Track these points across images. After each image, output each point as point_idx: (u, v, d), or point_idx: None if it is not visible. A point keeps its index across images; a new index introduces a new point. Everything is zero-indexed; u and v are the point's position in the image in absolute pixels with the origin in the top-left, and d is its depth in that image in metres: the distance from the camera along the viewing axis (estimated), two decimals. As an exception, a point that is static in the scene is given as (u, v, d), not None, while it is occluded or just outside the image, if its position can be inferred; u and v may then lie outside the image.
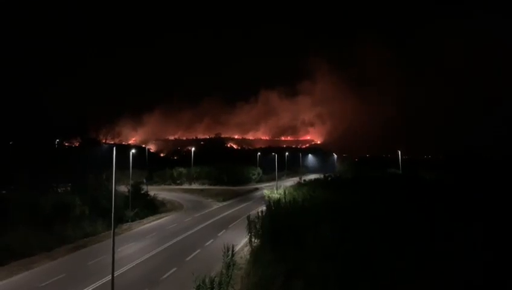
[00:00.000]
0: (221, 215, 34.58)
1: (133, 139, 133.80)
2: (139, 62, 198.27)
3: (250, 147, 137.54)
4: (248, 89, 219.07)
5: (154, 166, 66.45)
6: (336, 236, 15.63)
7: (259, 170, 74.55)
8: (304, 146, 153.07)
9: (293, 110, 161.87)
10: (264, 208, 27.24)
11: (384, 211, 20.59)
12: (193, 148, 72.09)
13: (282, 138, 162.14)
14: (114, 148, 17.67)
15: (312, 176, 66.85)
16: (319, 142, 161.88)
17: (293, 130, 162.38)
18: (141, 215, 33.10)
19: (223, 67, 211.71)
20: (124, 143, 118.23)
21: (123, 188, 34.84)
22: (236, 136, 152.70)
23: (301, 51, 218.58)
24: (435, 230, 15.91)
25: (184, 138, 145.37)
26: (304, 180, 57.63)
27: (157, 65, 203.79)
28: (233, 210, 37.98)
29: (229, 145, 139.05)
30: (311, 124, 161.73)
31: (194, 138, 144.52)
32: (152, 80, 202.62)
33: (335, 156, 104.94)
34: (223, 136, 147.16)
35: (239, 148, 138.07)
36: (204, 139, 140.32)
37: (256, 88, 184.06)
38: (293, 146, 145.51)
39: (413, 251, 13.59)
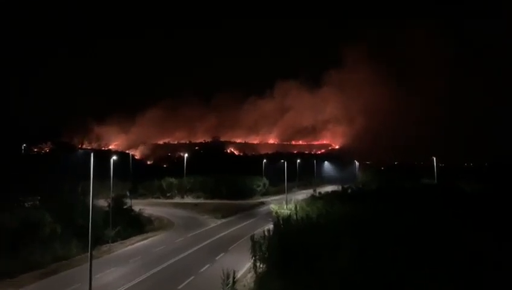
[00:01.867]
0: (219, 235, 34.52)
1: (115, 143, 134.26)
2: (124, 54, 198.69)
3: (254, 153, 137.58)
4: (265, 83, 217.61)
5: (139, 176, 66.73)
6: (358, 260, 15.53)
7: (265, 180, 74.52)
8: (319, 152, 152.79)
9: (313, 105, 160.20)
10: (271, 226, 27.14)
11: (416, 229, 20.44)
12: (186, 155, 72.24)
13: (293, 142, 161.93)
14: (92, 154, 17.81)
15: (329, 188, 66.58)
16: (336, 146, 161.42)
17: (307, 131, 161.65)
18: (124, 235, 33.17)
19: (237, 57, 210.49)
20: (104, 148, 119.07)
21: (102, 202, 34.96)
22: (237, 140, 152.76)
23: (332, 36, 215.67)
24: (481, 257, 15.72)
25: (175, 142, 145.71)
26: (319, 192, 57.29)
27: (147, 57, 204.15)
28: (234, 229, 37.90)
29: (229, 151, 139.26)
30: (329, 125, 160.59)
31: (187, 142, 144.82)
32: (141, 75, 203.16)
33: (356, 163, 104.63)
34: (222, 139, 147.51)
35: (241, 154, 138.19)
36: (199, 144, 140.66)
37: (272, 81, 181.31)
38: (306, 152, 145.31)
39: (452, 281, 13.45)
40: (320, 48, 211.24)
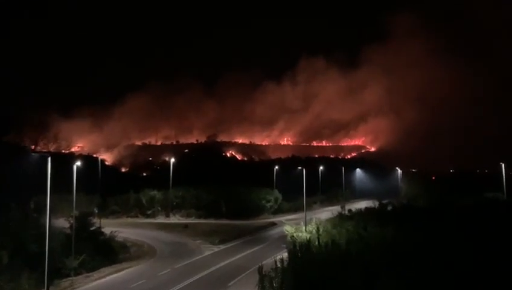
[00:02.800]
0: (216, 267, 34.49)
1: (79, 145, 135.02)
2: (99, 20, 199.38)
3: (262, 158, 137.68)
4: (285, 64, 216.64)
5: (111, 187, 66.90)
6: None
7: (276, 193, 74.46)
8: (348, 156, 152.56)
9: (346, 92, 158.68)
10: (284, 255, 27.03)
11: (482, 266, 20.20)
12: (172, 159, 72.22)
13: (314, 143, 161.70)
14: (49, 159, 17.89)
15: (362, 204, 66.26)
16: (372, 148, 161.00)
17: (334, 128, 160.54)
18: (90, 266, 33.21)
19: (248, 28, 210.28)
20: (64, 151, 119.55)
21: (62, 223, 35.07)
22: (240, 140, 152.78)
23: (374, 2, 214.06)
24: None
25: (159, 143, 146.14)
26: (349, 210, 56.97)
27: (129, 26, 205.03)
28: (236, 258, 37.86)
29: (229, 154, 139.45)
30: (365, 119, 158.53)
31: (174, 142, 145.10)
32: (122, 50, 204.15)
33: (399, 171, 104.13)
34: (219, 139, 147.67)
35: (245, 158, 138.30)
36: (190, 145, 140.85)
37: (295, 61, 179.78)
38: (332, 156, 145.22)
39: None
40: (359, 16, 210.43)
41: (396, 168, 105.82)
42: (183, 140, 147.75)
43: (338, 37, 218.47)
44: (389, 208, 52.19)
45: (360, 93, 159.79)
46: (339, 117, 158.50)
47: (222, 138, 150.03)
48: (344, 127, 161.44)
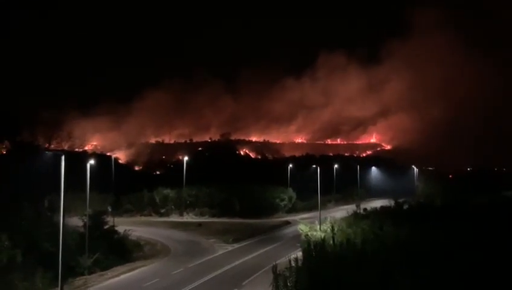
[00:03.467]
0: (230, 265, 34.52)
1: (93, 143, 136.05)
2: (114, 16, 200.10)
3: (276, 156, 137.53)
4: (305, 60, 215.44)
5: (124, 186, 67.14)
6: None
7: (291, 192, 74.33)
8: (363, 154, 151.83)
9: (366, 88, 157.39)
10: (299, 254, 26.96)
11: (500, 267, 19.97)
12: (186, 158, 72.47)
13: (329, 141, 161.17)
14: (63, 157, 18.01)
15: (377, 203, 65.89)
16: (388, 146, 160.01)
17: (350, 126, 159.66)
18: (104, 265, 33.40)
19: (270, 18, 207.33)
20: (77, 150, 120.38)
21: (76, 221, 35.31)
22: (254, 139, 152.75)
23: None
24: None
25: (172, 142, 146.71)
26: (364, 209, 56.69)
27: (144, 21, 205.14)
28: (250, 257, 37.85)
29: (242, 153, 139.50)
30: (383, 116, 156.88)
31: (188, 141, 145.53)
32: (138, 46, 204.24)
33: (415, 169, 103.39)
34: (233, 137, 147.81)
35: (258, 157, 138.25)
36: (203, 143, 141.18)
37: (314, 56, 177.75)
38: (347, 154, 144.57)
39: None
40: (380, 11, 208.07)
41: (413, 166, 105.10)
42: (197, 138, 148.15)
43: (358, 33, 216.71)
44: (405, 207, 51.90)
45: (379, 90, 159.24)
46: (356, 114, 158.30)
47: (236, 136, 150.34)
48: (361, 124, 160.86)
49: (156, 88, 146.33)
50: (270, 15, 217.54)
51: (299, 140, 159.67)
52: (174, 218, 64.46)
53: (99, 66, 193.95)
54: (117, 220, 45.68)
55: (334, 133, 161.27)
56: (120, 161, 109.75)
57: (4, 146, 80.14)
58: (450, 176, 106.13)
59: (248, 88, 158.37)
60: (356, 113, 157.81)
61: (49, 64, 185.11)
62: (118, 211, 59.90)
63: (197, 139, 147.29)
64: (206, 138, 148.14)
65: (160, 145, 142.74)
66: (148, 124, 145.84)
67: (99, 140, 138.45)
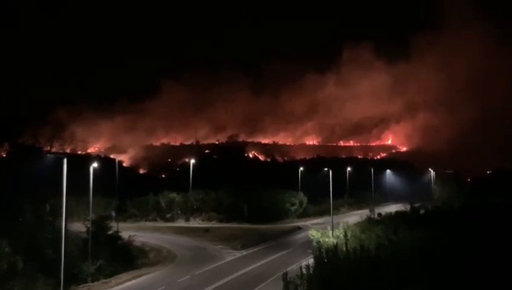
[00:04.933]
0: (239, 273, 34.51)
1: (95, 146, 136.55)
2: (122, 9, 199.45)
3: (287, 158, 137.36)
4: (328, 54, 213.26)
5: (129, 190, 67.41)
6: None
7: (302, 196, 74.23)
8: (377, 156, 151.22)
9: (390, 84, 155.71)
10: (310, 261, 26.92)
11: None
12: (192, 161, 72.59)
13: (341, 143, 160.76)
14: (65, 160, 18.11)
15: (392, 208, 65.65)
16: (403, 148, 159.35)
17: (365, 127, 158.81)
18: (108, 272, 33.49)
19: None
20: (80, 153, 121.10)
21: (79, 227, 35.48)
22: (263, 141, 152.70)
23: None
24: None
25: (178, 144, 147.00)
26: (379, 214, 56.46)
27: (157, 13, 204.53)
28: (259, 264, 37.84)
29: (251, 155, 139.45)
30: (402, 116, 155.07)
31: (194, 143, 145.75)
32: (152, 39, 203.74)
33: (432, 173, 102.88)
34: (241, 139, 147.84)
35: (268, 159, 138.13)
36: (210, 146, 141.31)
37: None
38: (360, 156, 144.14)
39: None
40: (409, 3, 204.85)
41: (429, 169, 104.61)
42: (204, 140, 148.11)
43: (386, 26, 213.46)
44: (421, 211, 51.66)
45: (401, 88, 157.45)
46: (372, 114, 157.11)
47: (245, 137, 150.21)
48: (376, 125, 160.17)
49: (160, 92, 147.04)
50: (294, 13, 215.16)
51: (310, 142, 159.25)
52: (180, 223, 64.54)
53: (110, 61, 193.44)
54: (121, 225, 45.80)
55: (348, 135, 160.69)
56: (124, 165, 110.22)
57: (4, 148, 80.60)
58: (469, 179, 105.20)
59: (268, 85, 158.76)
60: (372, 113, 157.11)
61: (52, 62, 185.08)
62: (122, 216, 60.04)
63: (202, 141, 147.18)
64: (213, 140, 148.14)
65: (165, 147, 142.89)
66: (151, 126, 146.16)
67: (103, 143, 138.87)
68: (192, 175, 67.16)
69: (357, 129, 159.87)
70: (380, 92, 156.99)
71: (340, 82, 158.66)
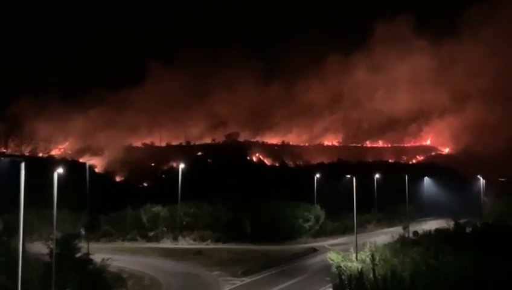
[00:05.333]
0: (239, 307, 34.63)
1: (61, 147, 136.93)
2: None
3: (299, 163, 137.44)
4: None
5: (103, 202, 67.54)
6: None
7: (318, 210, 74.25)
8: (413, 160, 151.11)
9: (431, 70, 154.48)
10: (329, 291, 26.96)
11: None
12: (181, 165, 72.66)
13: (368, 144, 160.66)
14: (22, 164, 18.14)
15: (431, 225, 65.72)
16: (445, 150, 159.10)
17: (400, 123, 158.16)
18: (76, 304, 33.58)
19: None
20: (42, 155, 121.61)
21: (40, 248, 35.53)
22: (269, 141, 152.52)
23: None
24: None
25: (164, 144, 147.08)
26: (415, 232, 56.40)
27: None
28: (264, 295, 37.91)
29: (255, 158, 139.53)
30: (446, 110, 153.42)
31: (184, 143, 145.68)
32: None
33: (482, 181, 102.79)
34: (242, 139, 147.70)
35: (276, 164, 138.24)
36: (203, 146, 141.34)
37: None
38: (391, 160, 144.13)
39: None
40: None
41: (478, 176, 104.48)
42: (195, 140, 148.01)
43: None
44: (468, 229, 51.60)
45: (445, 75, 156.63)
46: (408, 107, 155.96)
47: (246, 136, 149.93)
48: (413, 121, 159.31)
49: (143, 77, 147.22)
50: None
51: (329, 142, 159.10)
52: (167, 244, 64.66)
53: (81, 39, 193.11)
54: (93, 246, 45.87)
55: (376, 133, 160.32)
56: (96, 170, 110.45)
57: None
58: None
59: (280, 71, 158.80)
60: (409, 106, 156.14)
61: (7, 41, 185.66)
62: (94, 234, 60.24)
63: (194, 141, 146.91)
64: (207, 140, 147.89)
65: (148, 148, 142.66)
66: (129, 123, 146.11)
67: (69, 143, 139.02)
68: (182, 184, 67.20)
69: (389, 125, 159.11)
70: (419, 79, 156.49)
71: (370, 66, 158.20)
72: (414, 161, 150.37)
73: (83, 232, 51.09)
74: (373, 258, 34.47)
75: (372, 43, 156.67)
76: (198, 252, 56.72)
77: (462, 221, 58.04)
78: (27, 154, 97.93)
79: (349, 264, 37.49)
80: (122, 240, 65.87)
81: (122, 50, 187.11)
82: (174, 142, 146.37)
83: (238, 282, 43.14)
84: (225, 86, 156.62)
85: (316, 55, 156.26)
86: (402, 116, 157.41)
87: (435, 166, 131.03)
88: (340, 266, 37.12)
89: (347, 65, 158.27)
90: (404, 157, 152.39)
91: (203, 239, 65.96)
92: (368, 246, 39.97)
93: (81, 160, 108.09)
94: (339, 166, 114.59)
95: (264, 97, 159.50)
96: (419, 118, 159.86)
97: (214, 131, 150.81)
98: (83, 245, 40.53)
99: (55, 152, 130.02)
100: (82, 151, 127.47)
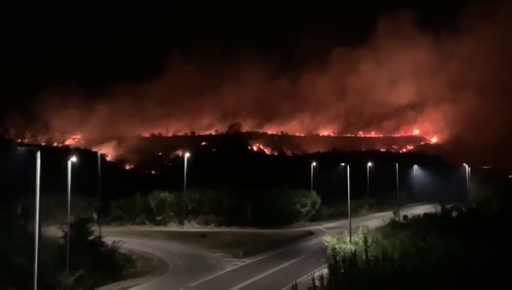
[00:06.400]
0: (241, 285, 34.54)
1: (74, 137, 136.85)
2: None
3: (297, 152, 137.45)
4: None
5: (113, 188, 67.48)
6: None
7: (314, 196, 74.22)
8: (403, 149, 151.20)
9: (433, 61, 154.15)
10: (325, 271, 26.93)
11: None
12: (187, 154, 72.57)
13: (361, 134, 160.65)
14: (38, 153, 18.10)
15: (420, 209, 65.66)
16: (433, 140, 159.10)
17: (392, 113, 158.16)
18: (89, 284, 33.50)
19: None
20: (57, 145, 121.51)
21: (55, 231, 35.52)
22: (269, 131, 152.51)
23: None
24: None
25: (170, 135, 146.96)
26: (405, 217, 56.40)
27: None
28: (264, 275, 37.85)
29: (256, 148, 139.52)
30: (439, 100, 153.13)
31: (189, 133, 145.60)
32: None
33: (467, 168, 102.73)
34: (244, 130, 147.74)
35: (275, 153, 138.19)
36: (207, 137, 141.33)
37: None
38: (382, 150, 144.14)
39: None
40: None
41: (464, 164, 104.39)
42: (200, 130, 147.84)
43: None
44: (454, 214, 51.66)
45: (443, 66, 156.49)
46: (404, 100, 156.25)
47: (248, 127, 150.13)
48: (404, 111, 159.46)
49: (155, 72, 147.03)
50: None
51: (324, 132, 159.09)
52: (173, 227, 64.66)
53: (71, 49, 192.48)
54: (104, 229, 45.91)
55: (369, 123, 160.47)
56: (108, 159, 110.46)
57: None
58: (510, 176, 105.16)
59: (288, 64, 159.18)
60: (401, 97, 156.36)
61: (26, 38, 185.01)
62: (106, 218, 60.22)
63: (199, 132, 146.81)
64: (211, 131, 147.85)
65: (155, 139, 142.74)
66: (138, 114, 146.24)
67: (83, 133, 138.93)
68: (187, 171, 67.11)
69: (386, 115, 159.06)
70: (417, 72, 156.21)
71: (370, 58, 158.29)
72: (404, 150, 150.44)
73: (95, 216, 51.06)
74: (365, 241, 34.43)
75: (374, 38, 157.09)
76: (203, 235, 56.74)
77: (448, 206, 58.15)
78: (43, 144, 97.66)
79: (343, 246, 37.50)
80: (132, 224, 65.83)
81: (142, 45, 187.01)
82: (180, 133, 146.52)
83: (240, 263, 43.15)
84: (235, 79, 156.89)
85: (322, 49, 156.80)
86: (399, 106, 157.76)
87: (423, 155, 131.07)
88: (335, 248, 37.13)
89: (351, 59, 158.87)
90: (395, 147, 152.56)
91: (207, 223, 65.93)
92: (361, 230, 39.95)
93: (93, 149, 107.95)
94: (333, 155, 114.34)
95: (270, 90, 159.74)
96: (416, 107, 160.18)
97: (223, 121, 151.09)
98: (95, 229, 40.62)
99: (69, 142, 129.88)
100: (93, 141, 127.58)
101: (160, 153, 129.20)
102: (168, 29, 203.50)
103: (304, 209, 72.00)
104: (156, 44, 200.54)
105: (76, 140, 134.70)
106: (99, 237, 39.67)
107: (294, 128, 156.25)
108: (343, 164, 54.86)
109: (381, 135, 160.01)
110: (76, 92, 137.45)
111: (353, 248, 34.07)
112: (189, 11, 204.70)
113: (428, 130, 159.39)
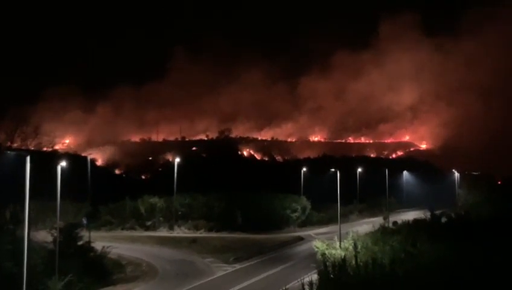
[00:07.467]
0: (230, 291, 34.60)
1: (64, 142, 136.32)
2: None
3: (287, 157, 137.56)
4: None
5: (103, 193, 67.36)
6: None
7: (304, 201, 74.28)
8: (393, 155, 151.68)
9: (434, 65, 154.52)
10: (314, 276, 26.98)
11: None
12: (177, 159, 72.57)
13: (351, 139, 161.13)
14: (27, 158, 18.05)
15: (409, 215, 65.94)
16: (423, 146, 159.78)
17: (384, 119, 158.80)
18: (78, 288, 33.36)
19: None
20: (46, 149, 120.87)
21: (44, 236, 35.39)
22: (259, 137, 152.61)
23: None
24: None
25: (160, 140, 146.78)
26: (394, 222, 56.59)
27: None
28: (254, 280, 37.87)
29: (246, 153, 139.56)
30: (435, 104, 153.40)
31: (179, 138, 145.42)
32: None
33: (456, 174, 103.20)
34: (233, 135, 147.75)
35: (265, 158, 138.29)
36: (198, 142, 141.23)
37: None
38: (372, 155, 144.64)
39: None
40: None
41: (453, 170, 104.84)
42: (191, 135, 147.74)
43: None
44: (444, 220, 51.89)
45: (437, 72, 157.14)
46: (393, 104, 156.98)
47: (239, 132, 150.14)
48: (395, 118, 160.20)
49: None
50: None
51: (315, 138, 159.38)
52: (163, 232, 64.44)
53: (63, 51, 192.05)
54: (94, 234, 45.70)
55: (359, 129, 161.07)
56: (97, 163, 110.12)
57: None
58: (499, 182, 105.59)
59: (285, 70, 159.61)
60: (393, 103, 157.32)
61: (15, 38, 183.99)
62: (95, 223, 59.93)
63: (189, 136, 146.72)
64: (201, 136, 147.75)
65: (145, 143, 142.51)
66: (128, 118, 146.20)
67: (73, 138, 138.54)
68: (177, 176, 67.04)
69: (378, 120, 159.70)
70: (411, 76, 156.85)
71: (371, 62, 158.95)
72: (394, 156, 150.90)
73: (85, 221, 50.84)
74: (355, 246, 34.54)
75: (374, 43, 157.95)
76: (193, 241, 56.63)
77: (437, 212, 58.36)
78: (32, 148, 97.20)
79: (333, 251, 37.59)
80: (121, 229, 65.51)
81: (142, 45, 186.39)
82: (170, 138, 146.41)
83: (230, 268, 43.17)
84: (233, 83, 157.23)
85: (322, 53, 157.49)
86: (394, 111, 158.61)
87: (413, 161, 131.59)
88: (325, 254, 37.20)
89: (351, 62, 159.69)
90: (385, 153, 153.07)
91: (197, 228, 65.79)
92: (351, 235, 40.09)
93: (83, 154, 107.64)
94: (324, 160, 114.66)
95: (268, 95, 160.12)
96: (413, 112, 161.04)
97: (219, 126, 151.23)
98: (85, 234, 40.44)
99: (58, 146, 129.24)
100: (83, 146, 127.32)
101: (150, 158, 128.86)
102: (170, 30, 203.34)
103: (294, 215, 71.97)
104: (156, 44, 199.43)
105: (65, 145, 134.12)
106: (89, 242, 39.55)
107: (288, 132, 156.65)
108: (333, 170, 55.10)
109: (371, 141, 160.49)
110: (75, 94, 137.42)
111: (343, 254, 34.17)
112: (192, 12, 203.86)
113: (423, 135, 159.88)
